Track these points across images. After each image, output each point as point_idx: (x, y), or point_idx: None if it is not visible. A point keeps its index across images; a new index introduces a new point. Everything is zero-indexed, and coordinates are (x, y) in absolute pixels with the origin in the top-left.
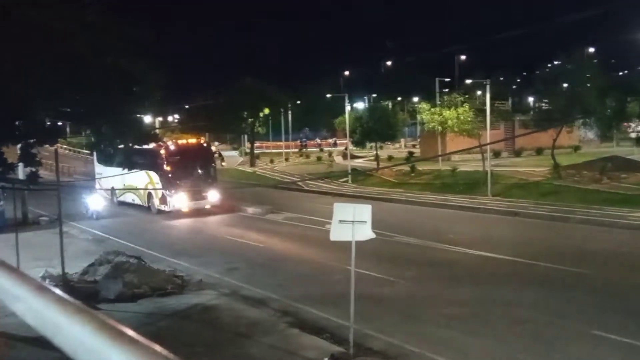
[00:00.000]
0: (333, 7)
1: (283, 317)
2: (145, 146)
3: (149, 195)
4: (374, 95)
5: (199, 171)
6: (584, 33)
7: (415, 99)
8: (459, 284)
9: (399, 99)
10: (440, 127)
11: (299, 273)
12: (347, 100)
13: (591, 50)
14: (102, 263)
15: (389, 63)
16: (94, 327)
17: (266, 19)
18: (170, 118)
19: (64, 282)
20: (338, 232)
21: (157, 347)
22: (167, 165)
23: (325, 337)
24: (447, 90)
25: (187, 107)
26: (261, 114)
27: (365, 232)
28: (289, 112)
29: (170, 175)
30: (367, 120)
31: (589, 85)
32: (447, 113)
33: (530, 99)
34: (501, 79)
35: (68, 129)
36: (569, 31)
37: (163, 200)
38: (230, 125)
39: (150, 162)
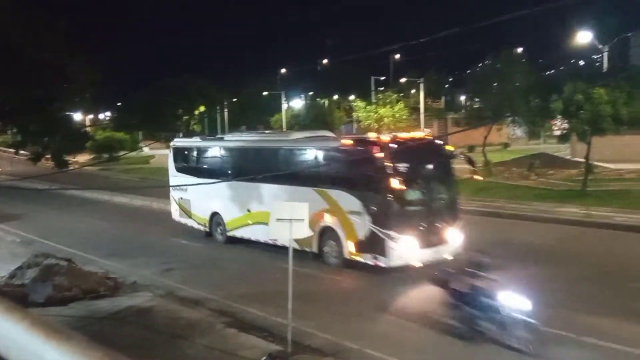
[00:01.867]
0: (270, 5)
1: (220, 317)
2: (326, 140)
3: (328, 235)
4: (311, 93)
5: (437, 192)
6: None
7: (352, 97)
8: (397, 281)
9: (336, 97)
10: (376, 125)
11: (237, 272)
12: (283, 98)
13: (520, 50)
14: (31, 266)
15: (325, 61)
16: (26, 325)
17: (204, 17)
18: (101, 116)
19: None
20: (276, 231)
21: (91, 343)
22: (391, 178)
23: (263, 336)
24: (382, 88)
25: (119, 104)
26: (197, 112)
27: (303, 230)
28: (225, 109)
29: (395, 200)
30: (304, 118)
31: (517, 84)
32: (382, 111)
33: (463, 98)
34: (435, 77)
35: None
36: (500, 31)
37: (373, 245)
38: (165, 123)
39: (342, 171)
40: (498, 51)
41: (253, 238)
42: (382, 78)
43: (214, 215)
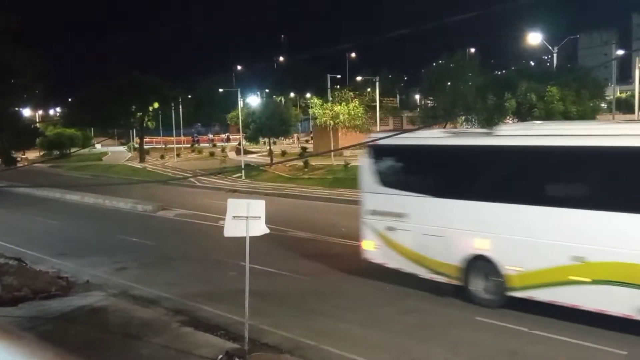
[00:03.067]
0: (226, 3)
1: (176, 316)
2: None
3: None
4: (267, 90)
5: None
6: (468, 34)
7: (308, 95)
8: (352, 276)
9: (292, 94)
10: (332, 122)
11: (193, 270)
12: (239, 95)
13: (472, 50)
14: None
15: (281, 59)
16: None
17: (159, 13)
18: (52, 112)
19: None
20: (232, 228)
21: (42, 343)
22: None
23: (219, 334)
24: (338, 86)
25: (69, 100)
26: (151, 108)
27: (259, 228)
28: (180, 106)
29: None
30: (260, 115)
31: (470, 83)
32: (338, 108)
33: (417, 97)
34: (390, 76)
35: None
36: (453, 31)
37: None
38: (118, 120)
39: None
40: (452, 51)
41: (582, 306)
42: (339, 76)
43: (477, 260)
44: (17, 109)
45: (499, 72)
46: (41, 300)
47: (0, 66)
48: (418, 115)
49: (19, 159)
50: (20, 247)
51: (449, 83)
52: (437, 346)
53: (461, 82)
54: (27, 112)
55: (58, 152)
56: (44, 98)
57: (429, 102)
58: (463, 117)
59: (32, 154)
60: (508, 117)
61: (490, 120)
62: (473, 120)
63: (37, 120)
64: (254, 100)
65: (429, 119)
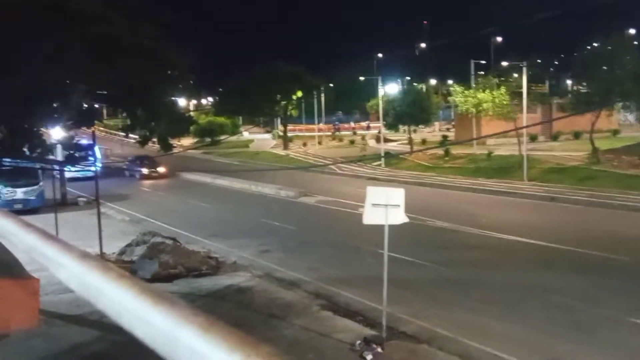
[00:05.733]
0: None
1: (316, 300)
2: None
3: None
4: (408, 78)
5: None
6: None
7: (450, 82)
8: (492, 269)
9: (433, 81)
10: (474, 110)
11: (332, 256)
12: (380, 83)
13: (632, 31)
14: (139, 244)
15: (423, 45)
16: (136, 291)
17: (299, 3)
18: (204, 101)
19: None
20: (371, 216)
21: (195, 309)
22: None
23: (358, 320)
24: (482, 73)
25: (220, 90)
26: (294, 97)
27: (398, 216)
28: (322, 95)
29: None
30: (400, 103)
31: (628, 67)
32: (481, 95)
33: (568, 82)
34: (538, 61)
35: (105, 112)
36: (608, 12)
37: None
38: (264, 108)
39: None
40: (608, 33)
41: None
42: (483, 62)
43: None
44: (172, 98)
45: None
46: (193, 278)
47: (157, 59)
48: (569, 102)
49: (174, 145)
50: (175, 228)
51: (604, 67)
52: (586, 347)
53: (618, 67)
54: (182, 101)
55: (209, 139)
56: (197, 88)
57: (581, 88)
58: (620, 104)
59: (186, 141)
60: None
61: None
62: (631, 107)
63: (191, 109)
64: (394, 88)
65: (582, 106)
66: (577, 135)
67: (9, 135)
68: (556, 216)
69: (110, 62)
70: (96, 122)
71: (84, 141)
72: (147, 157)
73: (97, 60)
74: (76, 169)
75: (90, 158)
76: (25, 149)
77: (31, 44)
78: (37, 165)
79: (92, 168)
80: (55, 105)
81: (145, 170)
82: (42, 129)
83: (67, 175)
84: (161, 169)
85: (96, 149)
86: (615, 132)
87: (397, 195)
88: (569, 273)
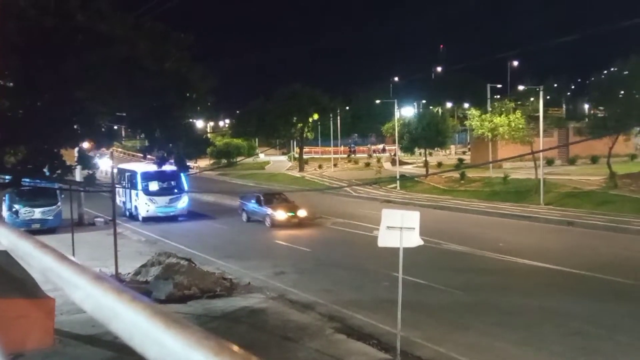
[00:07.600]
0: (384, 13)
1: (330, 322)
2: None
3: None
4: (424, 101)
5: None
6: None
7: (466, 105)
8: (509, 293)
9: (449, 104)
10: (490, 134)
11: (346, 278)
12: (396, 106)
13: None
14: (154, 264)
15: (439, 69)
16: (149, 313)
17: (316, 26)
18: (221, 123)
19: (118, 281)
20: (386, 238)
21: (207, 332)
22: None
23: (372, 344)
24: (498, 96)
25: (237, 112)
26: (310, 119)
27: (413, 239)
28: (338, 117)
29: None
30: (416, 126)
31: None
32: (497, 119)
33: (585, 106)
34: (555, 85)
35: (123, 133)
36: (626, 36)
37: None
38: (280, 130)
39: None
40: (626, 57)
41: None
42: (499, 86)
43: None
44: (191, 120)
45: None
46: (207, 299)
47: (179, 81)
48: (586, 125)
49: (191, 166)
50: (191, 249)
51: (622, 92)
52: None
53: (636, 91)
54: (199, 123)
55: (225, 161)
56: (215, 110)
57: (598, 112)
58: (638, 129)
59: (202, 162)
60: None
61: None
62: None
63: (208, 131)
64: (409, 111)
65: (599, 130)
66: (594, 160)
67: (29, 156)
68: (572, 241)
69: (133, 83)
70: (115, 142)
71: (167, 167)
72: (279, 194)
73: (119, 82)
74: (159, 204)
75: (175, 190)
76: (45, 170)
77: (58, 64)
78: (81, 188)
79: (184, 204)
80: (75, 126)
81: (281, 215)
82: (61, 149)
83: (143, 214)
84: (302, 212)
85: (182, 177)
86: (633, 157)
87: (412, 218)
88: (586, 298)
